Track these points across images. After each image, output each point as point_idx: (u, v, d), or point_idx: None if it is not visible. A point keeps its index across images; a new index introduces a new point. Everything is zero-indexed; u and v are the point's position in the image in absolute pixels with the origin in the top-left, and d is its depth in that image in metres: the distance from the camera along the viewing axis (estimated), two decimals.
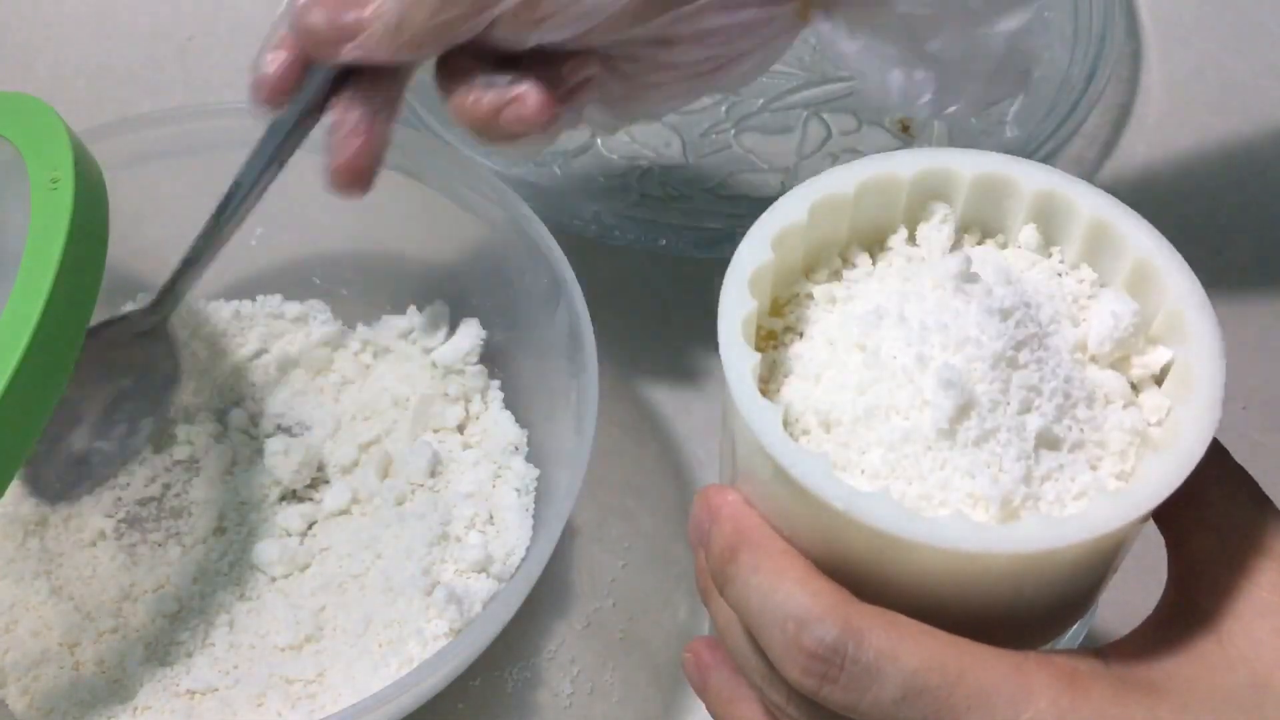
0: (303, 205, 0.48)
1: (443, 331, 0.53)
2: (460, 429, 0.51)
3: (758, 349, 0.31)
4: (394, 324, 0.54)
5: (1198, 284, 0.31)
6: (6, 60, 0.66)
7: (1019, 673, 0.28)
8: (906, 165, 0.33)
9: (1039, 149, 0.58)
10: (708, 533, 0.32)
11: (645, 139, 0.61)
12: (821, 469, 0.28)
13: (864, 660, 0.28)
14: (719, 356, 0.31)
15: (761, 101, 0.63)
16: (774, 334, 0.33)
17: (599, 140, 0.61)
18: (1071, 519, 0.28)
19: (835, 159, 0.61)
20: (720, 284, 0.31)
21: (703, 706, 0.42)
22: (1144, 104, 0.65)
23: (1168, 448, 0.29)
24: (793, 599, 0.29)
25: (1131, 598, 0.35)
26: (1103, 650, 0.30)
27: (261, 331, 0.54)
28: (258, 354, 0.54)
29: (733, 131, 0.62)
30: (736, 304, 0.31)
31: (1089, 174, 0.61)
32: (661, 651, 0.47)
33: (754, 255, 0.32)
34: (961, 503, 0.29)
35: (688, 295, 0.56)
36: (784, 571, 0.30)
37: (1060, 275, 0.33)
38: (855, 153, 0.61)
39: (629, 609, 0.48)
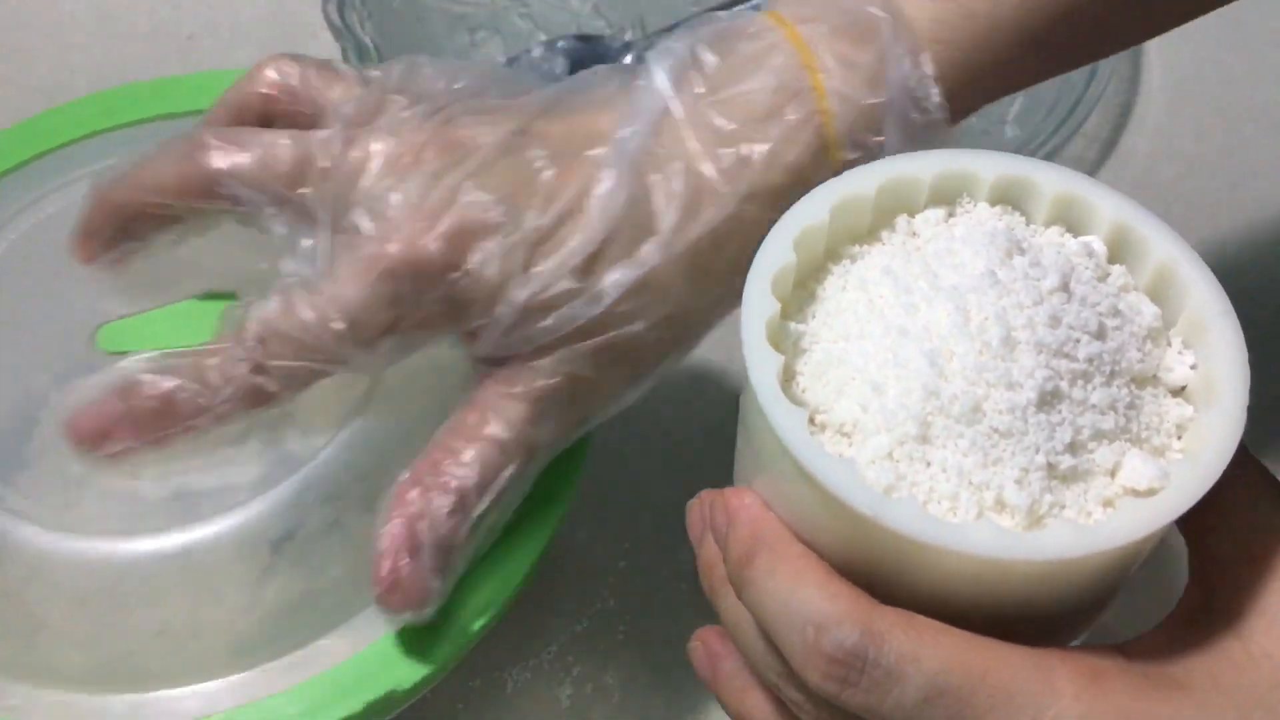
0: None
1: None
2: None
3: (778, 348, 0.31)
4: None
5: (1220, 289, 0.31)
6: (7, 60, 0.65)
7: (1041, 670, 0.28)
8: (927, 166, 0.33)
9: (1039, 149, 0.58)
10: (724, 535, 0.32)
11: None
12: (847, 473, 0.28)
13: (885, 664, 0.28)
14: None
15: None
16: (797, 335, 0.33)
17: None
18: (1099, 527, 0.28)
19: None
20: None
21: (703, 707, 0.42)
22: (1144, 104, 0.64)
23: (1193, 454, 0.29)
24: (811, 603, 0.29)
25: (1129, 592, 0.35)
26: (1124, 646, 0.30)
27: None
28: None
29: None
30: (759, 306, 0.31)
31: (1089, 174, 0.61)
32: (661, 651, 0.47)
33: (776, 256, 0.32)
34: (988, 507, 0.29)
35: None
36: (802, 575, 0.29)
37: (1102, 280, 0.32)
38: None
39: (629, 609, 0.48)
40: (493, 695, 0.46)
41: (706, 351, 0.55)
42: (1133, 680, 0.28)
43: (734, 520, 0.31)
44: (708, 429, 0.52)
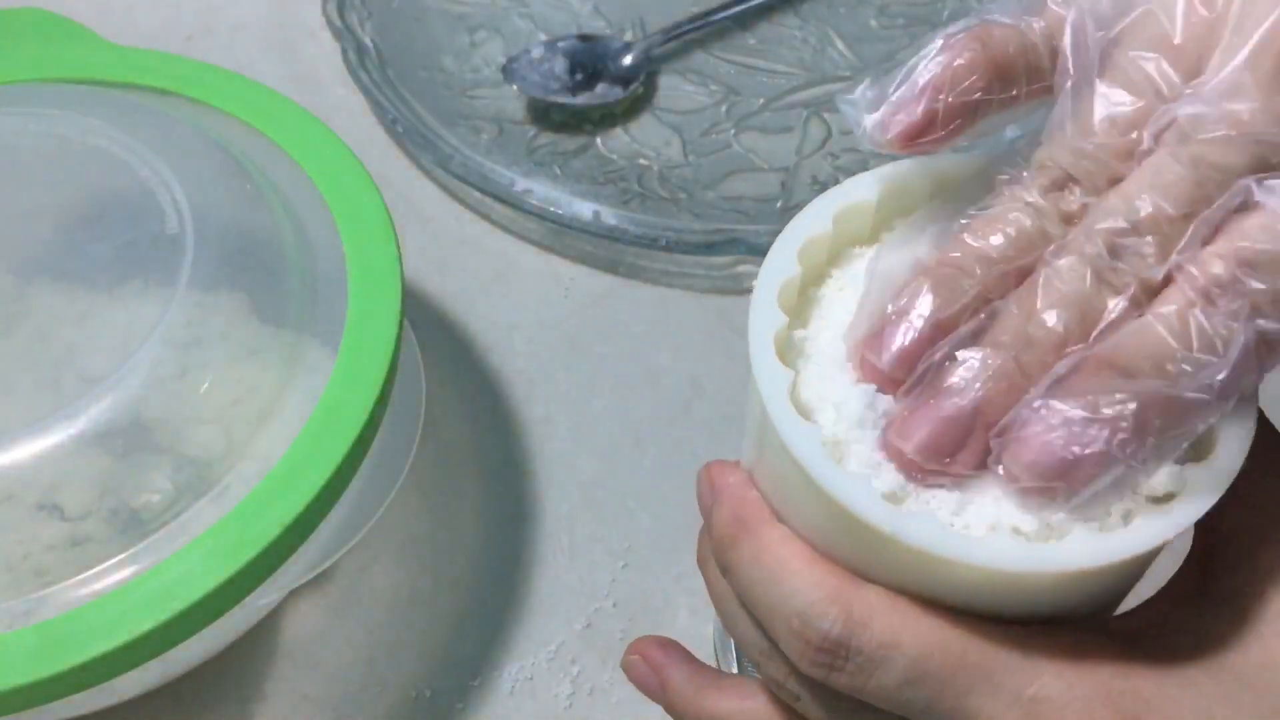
0: None
1: None
2: None
3: (785, 361, 0.31)
4: None
5: None
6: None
7: (1021, 648, 0.28)
8: (929, 171, 0.33)
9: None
10: (709, 510, 0.32)
11: (645, 139, 0.61)
12: (865, 491, 0.28)
13: (868, 650, 0.28)
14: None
15: (761, 101, 0.63)
16: (800, 342, 0.32)
17: (599, 140, 0.61)
18: (1116, 536, 0.28)
19: (835, 159, 0.61)
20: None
21: None
22: None
23: (1207, 457, 0.29)
24: (797, 593, 0.29)
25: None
26: (1109, 623, 0.30)
27: None
28: None
29: (733, 131, 0.62)
30: (766, 320, 0.30)
31: None
32: None
33: (781, 269, 0.31)
34: (1002, 516, 0.28)
35: (688, 295, 0.56)
36: (785, 562, 0.30)
37: None
38: (855, 152, 0.61)
39: (629, 609, 0.48)
40: (492, 694, 0.46)
41: (706, 351, 0.55)
42: (1116, 656, 0.28)
43: (718, 498, 0.32)
44: (708, 429, 0.52)
